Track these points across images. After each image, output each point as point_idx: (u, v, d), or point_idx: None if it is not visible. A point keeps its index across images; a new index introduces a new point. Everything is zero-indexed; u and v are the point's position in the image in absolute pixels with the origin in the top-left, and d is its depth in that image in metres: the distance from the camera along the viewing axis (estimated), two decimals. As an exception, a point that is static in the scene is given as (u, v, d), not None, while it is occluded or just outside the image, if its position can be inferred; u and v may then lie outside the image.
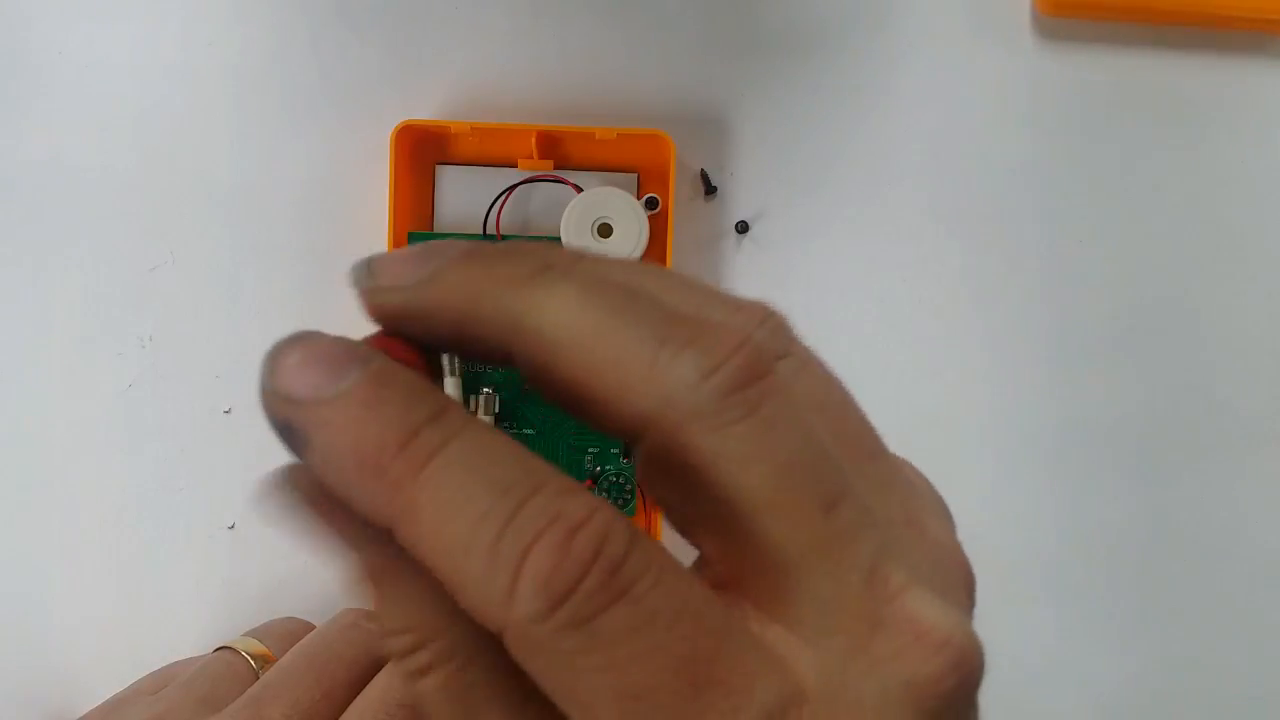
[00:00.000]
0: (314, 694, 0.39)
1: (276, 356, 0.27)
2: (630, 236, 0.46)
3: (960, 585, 0.26)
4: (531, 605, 0.21)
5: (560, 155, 0.48)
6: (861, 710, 0.23)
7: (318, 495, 0.25)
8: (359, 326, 0.47)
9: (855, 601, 0.23)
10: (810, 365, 0.25)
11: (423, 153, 0.48)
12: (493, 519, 0.22)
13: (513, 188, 0.47)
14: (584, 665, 0.22)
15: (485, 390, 0.46)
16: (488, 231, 0.46)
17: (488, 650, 0.24)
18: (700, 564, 0.25)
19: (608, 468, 0.46)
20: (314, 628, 0.45)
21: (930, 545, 0.26)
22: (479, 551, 0.22)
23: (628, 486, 0.46)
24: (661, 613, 0.22)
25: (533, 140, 0.47)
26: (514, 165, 0.48)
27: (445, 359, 0.43)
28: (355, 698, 0.40)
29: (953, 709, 0.23)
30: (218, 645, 0.44)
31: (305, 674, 0.40)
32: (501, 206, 0.46)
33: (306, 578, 0.48)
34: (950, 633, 0.23)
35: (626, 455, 0.46)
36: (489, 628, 0.23)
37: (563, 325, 0.24)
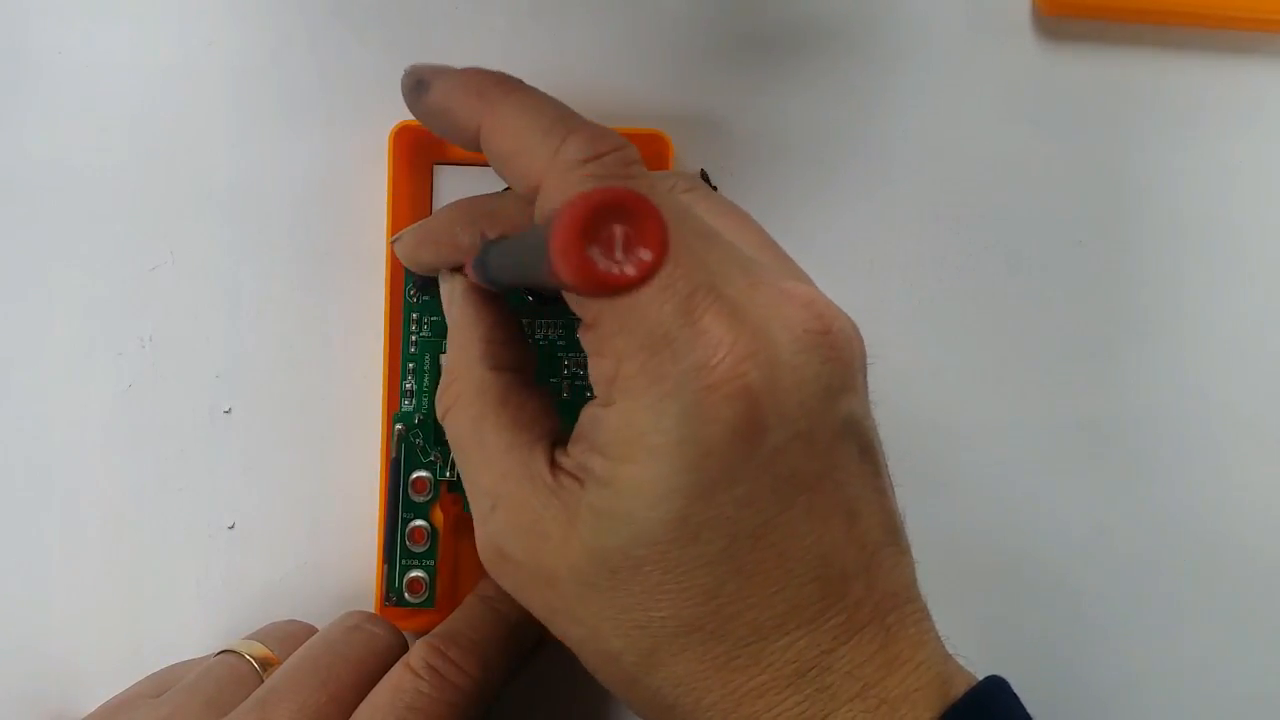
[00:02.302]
0: (320, 697, 0.39)
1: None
2: (629, 236, 0.46)
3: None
4: (575, 153, 0.34)
5: (559, 155, 0.48)
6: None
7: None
8: (358, 326, 0.48)
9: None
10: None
11: (421, 153, 0.48)
12: (552, 109, 0.35)
13: (510, 188, 0.47)
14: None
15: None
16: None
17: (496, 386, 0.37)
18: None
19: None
20: (316, 630, 0.45)
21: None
22: (541, 126, 0.34)
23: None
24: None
25: (532, 140, 0.47)
26: (513, 165, 0.47)
27: (444, 361, 0.43)
28: (361, 700, 0.40)
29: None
30: (220, 648, 0.44)
31: (311, 676, 0.40)
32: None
33: (307, 578, 0.48)
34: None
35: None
36: (531, 182, 0.35)
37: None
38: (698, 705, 0.33)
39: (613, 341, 0.32)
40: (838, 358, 0.33)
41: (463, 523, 0.47)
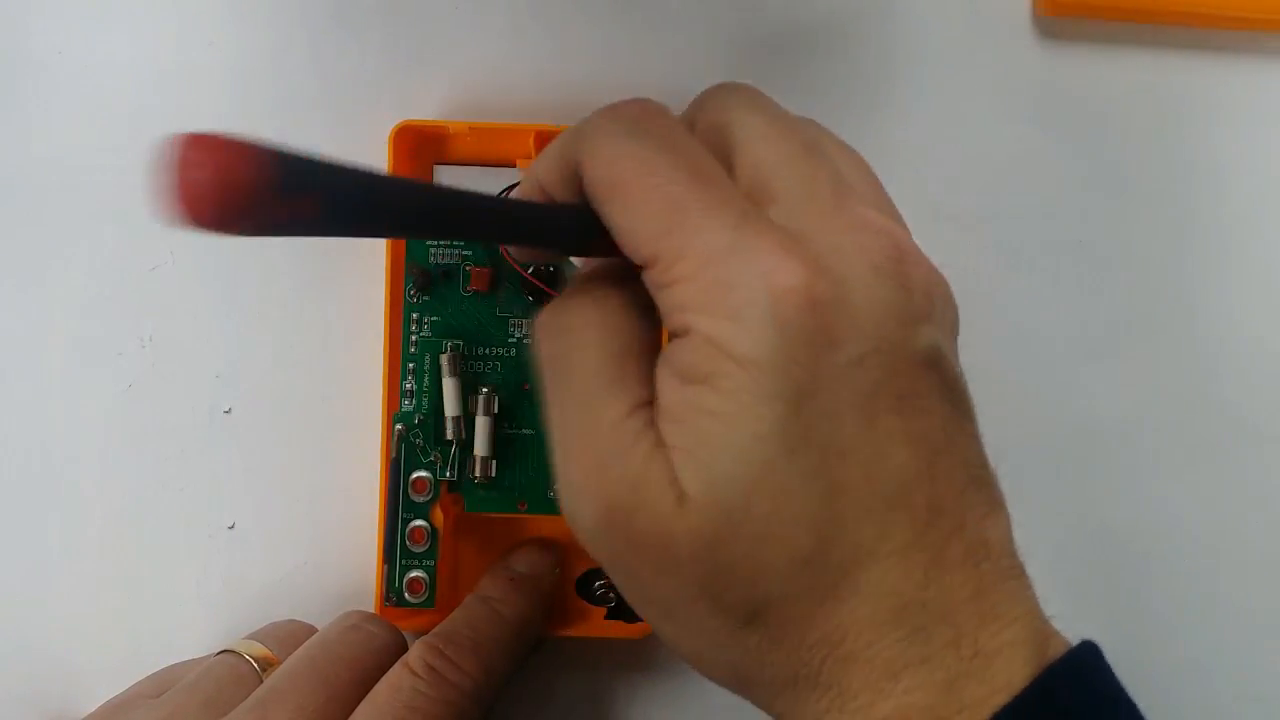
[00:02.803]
0: (320, 697, 0.39)
1: None
2: (629, 236, 0.46)
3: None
4: None
5: (559, 155, 0.48)
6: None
7: None
8: (358, 326, 0.48)
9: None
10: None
11: (421, 153, 0.48)
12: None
13: (511, 188, 0.47)
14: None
15: (484, 390, 0.45)
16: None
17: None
18: None
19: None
20: (315, 630, 0.45)
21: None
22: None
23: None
24: None
25: (531, 140, 0.47)
26: (512, 165, 0.48)
27: (444, 361, 0.43)
28: (361, 699, 0.40)
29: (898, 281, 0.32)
30: (219, 648, 0.44)
31: (310, 676, 0.40)
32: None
33: (307, 578, 0.48)
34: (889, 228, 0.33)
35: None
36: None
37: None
38: (800, 644, 0.32)
39: (676, 269, 0.32)
40: (915, 289, 0.33)
41: (463, 523, 0.47)
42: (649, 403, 0.34)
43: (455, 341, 0.46)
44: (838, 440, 0.31)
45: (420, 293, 0.46)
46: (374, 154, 0.47)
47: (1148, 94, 0.51)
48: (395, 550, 0.45)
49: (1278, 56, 0.51)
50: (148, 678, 0.45)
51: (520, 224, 0.35)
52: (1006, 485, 0.34)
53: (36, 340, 0.49)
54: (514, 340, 0.46)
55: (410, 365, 0.46)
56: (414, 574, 0.45)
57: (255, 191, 0.26)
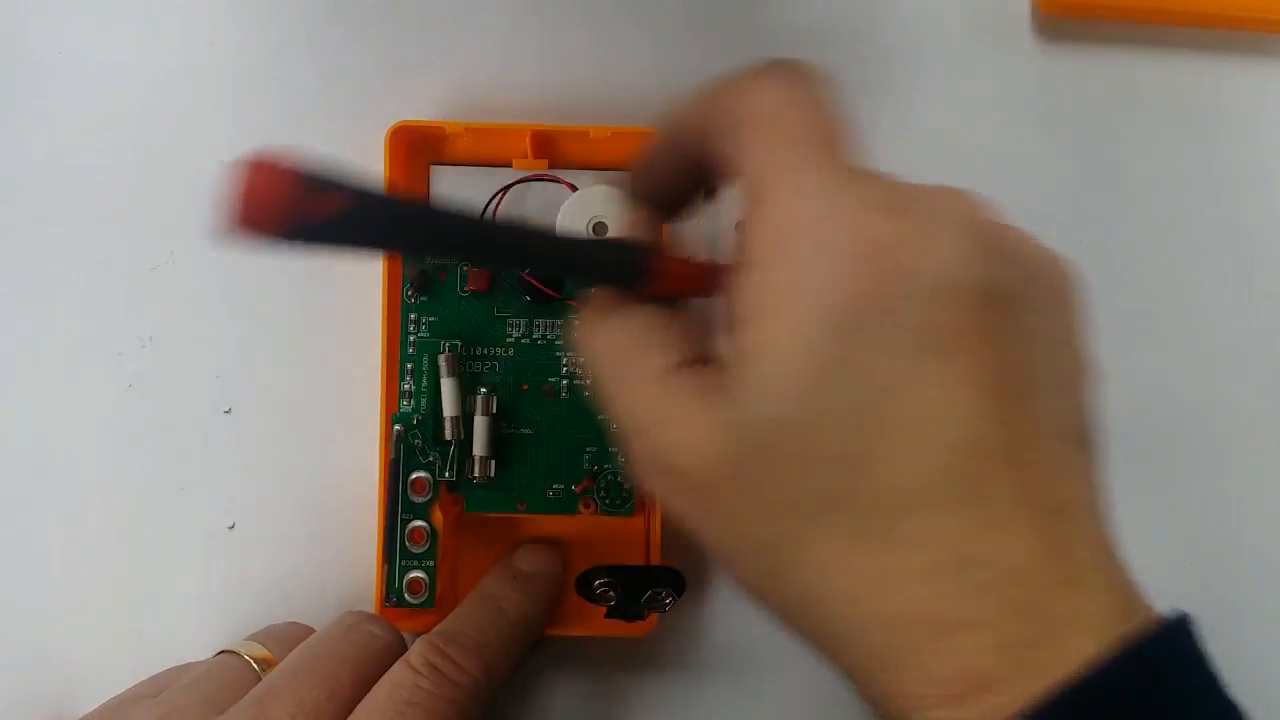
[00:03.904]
0: (319, 693, 0.39)
1: None
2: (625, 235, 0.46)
3: None
4: None
5: (555, 155, 0.48)
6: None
7: None
8: (358, 326, 0.48)
9: None
10: None
11: (417, 153, 0.48)
12: None
13: (507, 187, 0.47)
14: None
15: (483, 390, 0.46)
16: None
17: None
18: None
19: (606, 466, 0.46)
20: (315, 631, 0.45)
21: None
22: None
23: (626, 485, 0.46)
24: None
25: (527, 140, 0.47)
26: (509, 165, 0.48)
27: (442, 361, 0.43)
28: (360, 699, 0.40)
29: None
30: (219, 648, 0.44)
31: (309, 674, 0.40)
32: (496, 206, 0.46)
33: (307, 578, 0.48)
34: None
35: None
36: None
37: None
38: (844, 593, 0.31)
39: (780, 203, 0.32)
40: (996, 246, 0.33)
41: (462, 523, 0.47)
42: (683, 362, 0.35)
43: (453, 342, 0.46)
44: (893, 377, 0.31)
45: (418, 293, 0.46)
46: (371, 154, 0.47)
47: (1148, 94, 0.51)
48: (395, 551, 0.45)
49: (1278, 57, 0.51)
50: (147, 679, 0.45)
51: (567, 255, 0.36)
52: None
53: (37, 340, 0.49)
54: (512, 340, 0.46)
55: (408, 366, 0.46)
56: (414, 574, 0.45)
57: (285, 190, 0.29)
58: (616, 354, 0.36)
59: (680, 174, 0.39)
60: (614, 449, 0.46)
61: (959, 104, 0.50)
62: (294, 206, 0.30)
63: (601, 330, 0.37)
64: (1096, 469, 0.33)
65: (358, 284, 0.49)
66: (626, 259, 0.36)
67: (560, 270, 0.37)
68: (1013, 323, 0.32)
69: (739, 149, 0.34)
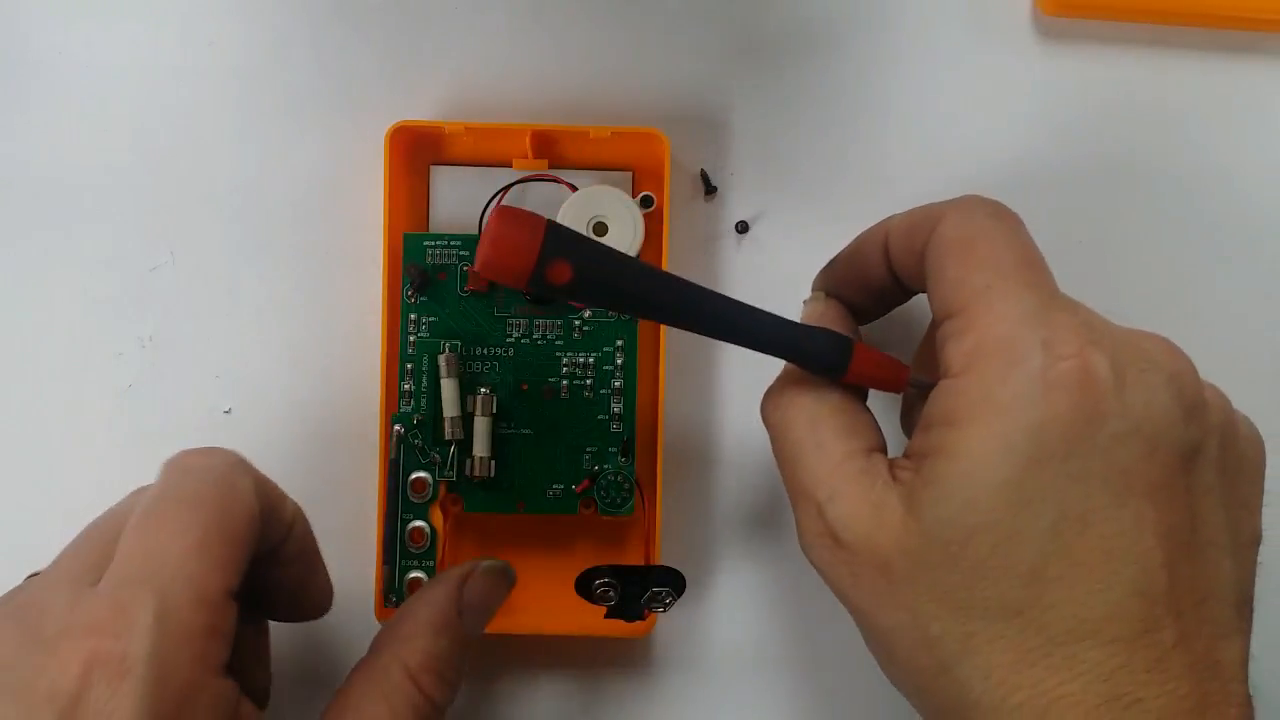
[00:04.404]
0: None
1: None
2: (625, 234, 0.46)
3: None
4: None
5: (555, 155, 0.48)
6: None
7: None
8: (358, 326, 0.48)
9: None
10: None
11: (417, 153, 0.48)
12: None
13: (507, 188, 0.47)
14: None
15: (482, 390, 0.46)
16: (483, 232, 0.46)
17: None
18: None
19: (606, 466, 0.46)
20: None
21: None
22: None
23: (626, 485, 0.46)
24: None
25: (527, 140, 0.47)
26: (509, 165, 0.48)
27: (442, 361, 0.43)
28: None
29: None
30: None
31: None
32: (496, 206, 0.46)
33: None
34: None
35: (624, 454, 0.46)
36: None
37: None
38: (1003, 704, 0.33)
39: (979, 320, 0.35)
40: (1190, 396, 0.35)
41: (462, 523, 0.47)
42: (872, 449, 0.38)
43: (453, 342, 0.46)
44: (1081, 508, 0.33)
45: (418, 293, 0.46)
46: (371, 154, 0.47)
47: (1148, 94, 0.50)
48: (395, 551, 0.45)
49: (1278, 56, 0.51)
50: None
51: (773, 337, 0.39)
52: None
53: (36, 340, 0.49)
54: (511, 341, 0.46)
55: (408, 366, 0.46)
56: (414, 574, 0.45)
57: (525, 253, 0.35)
58: (809, 425, 0.39)
59: (873, 279, 0.42)
60: (613, 449, 0.46)
61: (959, 104, 0.50)
62: (528, 271, 0.35)
63: (797, 401, 0.39)
64: (1249, 636, 0.35)
65: (359, 284, 0.49)
66: (832, 350, 0.38)
67: (766, 349, 0.39)
68: (1202, 481, 0.34)
69: (942, 265, 0.37)
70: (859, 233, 0.43)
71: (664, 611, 0.45)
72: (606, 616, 0.45)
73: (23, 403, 0.49)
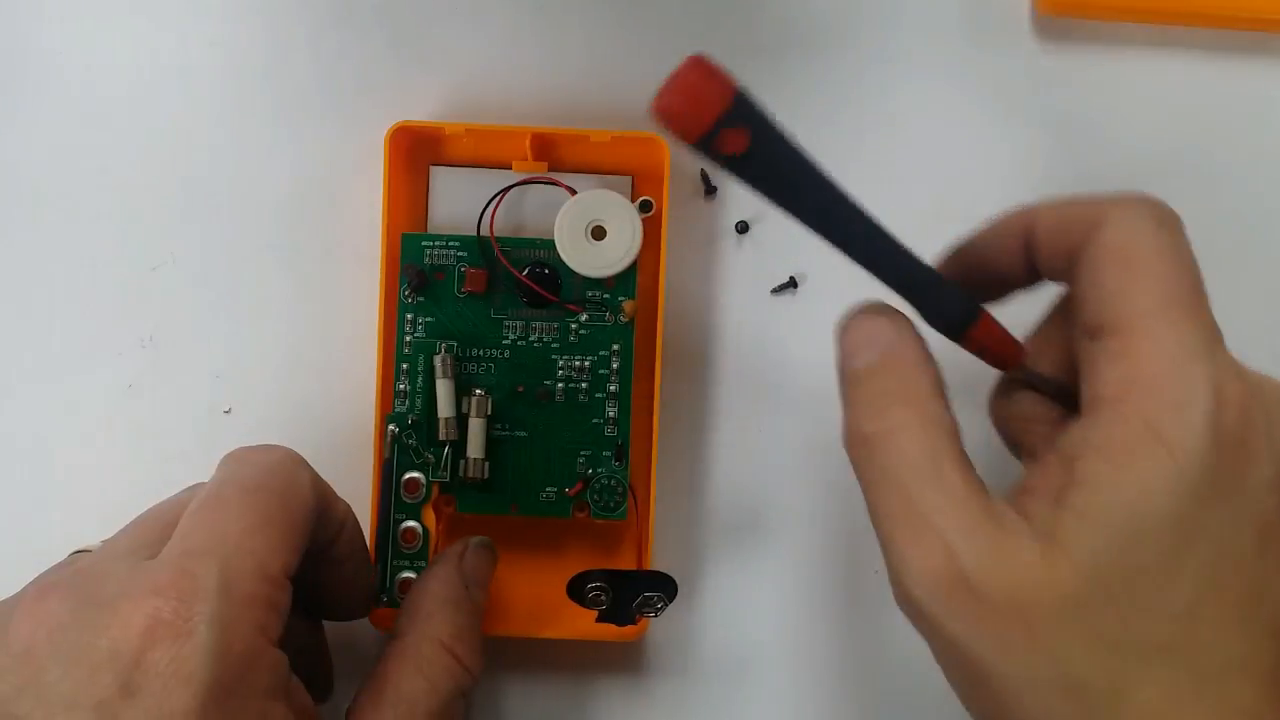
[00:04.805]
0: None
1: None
2: (624, 239, 0.46)
3: None
4: None
5: (555, 157, 0.48)
6: None
7: None
8: (358, 326, 0.48)
9: None
10: None
11: (417, 154, 0.48)
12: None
13: (507, 189, 0.47)
14: None
15: (478, 392, 0.46)
16: (481, 233, 0.46)
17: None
18: None
19: (599, 470, 0.46)
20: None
21: None
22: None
23: (619, 489, 0.46)
24: None
25: (527, 142, 0.47)
26: (508, 167, 0.48)
27: (438, 362, 0.43)
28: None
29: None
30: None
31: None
32: (495, 208, 0.46)
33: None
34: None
35: (618, 459, 0.46)
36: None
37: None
38: None
39: (1143, 347, 0.33)
40: None
41: (455, 525, 0.47)
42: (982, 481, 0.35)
43: (449, 343, 0.46)
44: (1235, 550, 0.33)
45: (415, 294, 0.46)
46: (370, 154, 0.47)
47: (1148, 94, 0.50)
48: (387, 551, 0.45)
49: (1278, 56, 0.50)
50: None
51: (907, 274, 0.37)
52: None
53: (37, 340, 0.49)
54: (508, 342, 0.46)
55: (404, 366, 0.46)
56: (405, 575, 0.45)
57: (708, 108, 0.33)
58: (927, 452, 0.35)
59: (1004, 266, 0.39)
60: (607, 453, 0.46)
61: (959, 104, 0.50)
62: (705, 128, 0.33)
63: (909, 422, 0.35)
64: None
65: (358, 284, 0.49)
66: (962, 307, 0.37)
67: (896, 284, 0.37)
68: None
69: (1101, 276, 0.35)
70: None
71: (655, 617, 0.45)
72: (598, 621, 0.45)
73: (23, 403, 0.49)
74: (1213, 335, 0.34)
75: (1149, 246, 0.35)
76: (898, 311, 0.37)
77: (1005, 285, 0.40)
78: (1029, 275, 0.38)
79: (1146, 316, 0.34)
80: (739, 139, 0.33)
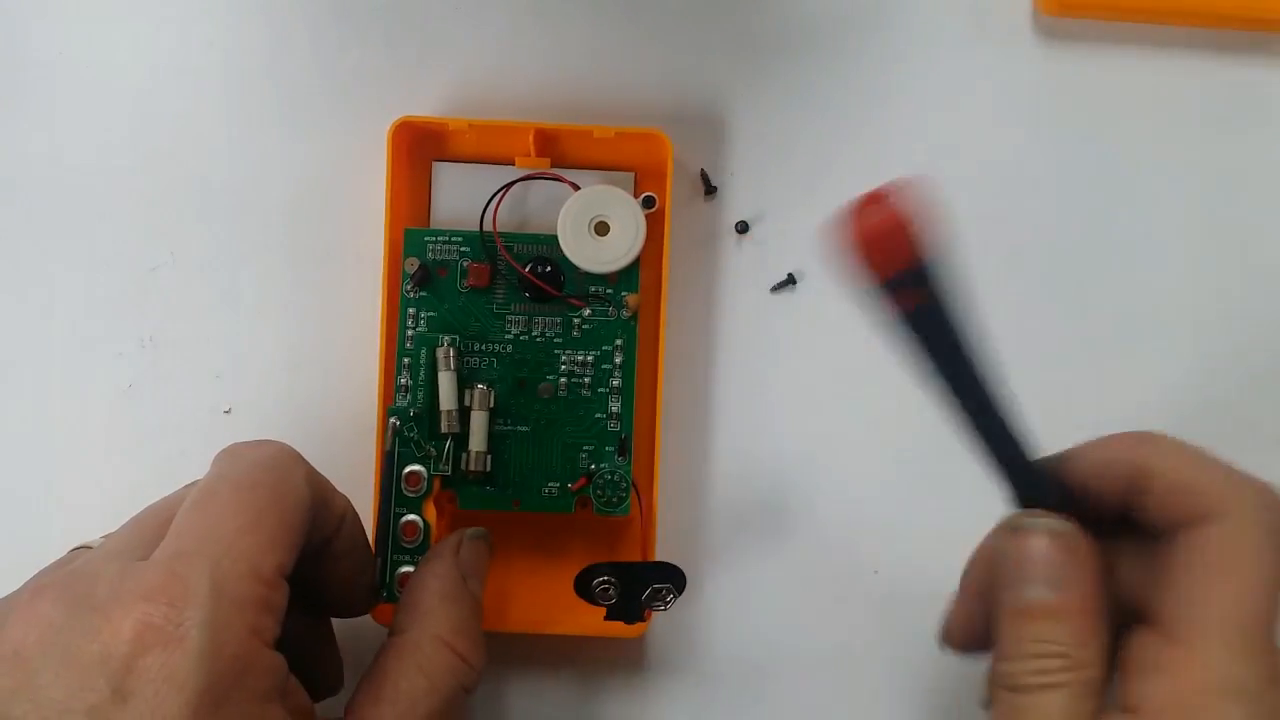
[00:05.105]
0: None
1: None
2: (627, 235, 0.46)
3: None
4: None
5: (558, 153, 0.48)
6: None
7: None
8: (359, 325, 0.48)
9: None
10: None
11: (420, 150, 0.48)
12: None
13: (510, 185, 0.47)
14: None
15: (480, 386, 0.45)
16: (484, 228, 0.46)
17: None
18: None
19: (602, 465, 0.46)
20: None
21: None
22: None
23: (622, 485, 0.46)
24: None
25: (530, 138, 0.47)
26: (511, 163, 0.48)
27: (440, 354, 0.43)
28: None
29: None
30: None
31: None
32: (498, 204, 0.46)
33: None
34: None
35: (621, 454, 0.46)
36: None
37: None
38: None
39: (1195, 667, 0.34)
40: None
41: (456, 520, 0.47)
42: None
43: (452, 336, 0.46)
44: None
45: (417, 288, 0.46)
46: (373, 149, 0.47)
47: (1148, 94, 0.50)
48: (387, 545, 0.45)
49: (1278, 56, 0.51)
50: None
51: (1021, 468, 0.37)
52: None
53: (37, 340, 0.49)
54: (510, 337, 0.46)
55: (406, 360, 0.46)
56: (405, 569, 0.45)
57: (899, 260, 0.32)
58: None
59: (1101, 490, 0.38)
60: (610, 448, 0.46)
61: (959, 104, 0.50)
62: (886, 276, 0.32)
63: (1066, 682, 0.35)
64: None
65: (359, 280, 0.49)
66: (1058, 500, 0.37)
67: (1006, 467, 0.37)
68: None
69: (1189, 570, 0.35)
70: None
71: (664, 610, 0.44)
72: (606, 618, 0.44)
73: (23, 402, 0.49)
74: (1268, 674, 0.34)
75: (1249, 563, 0.35)
76: (1084, 537, 0.37)
77: (1087, 509, 0.38)
78: (1117, 511, 0.38)
79: (1208, 636, 0.34)
80: (911, 299, 0.33)
